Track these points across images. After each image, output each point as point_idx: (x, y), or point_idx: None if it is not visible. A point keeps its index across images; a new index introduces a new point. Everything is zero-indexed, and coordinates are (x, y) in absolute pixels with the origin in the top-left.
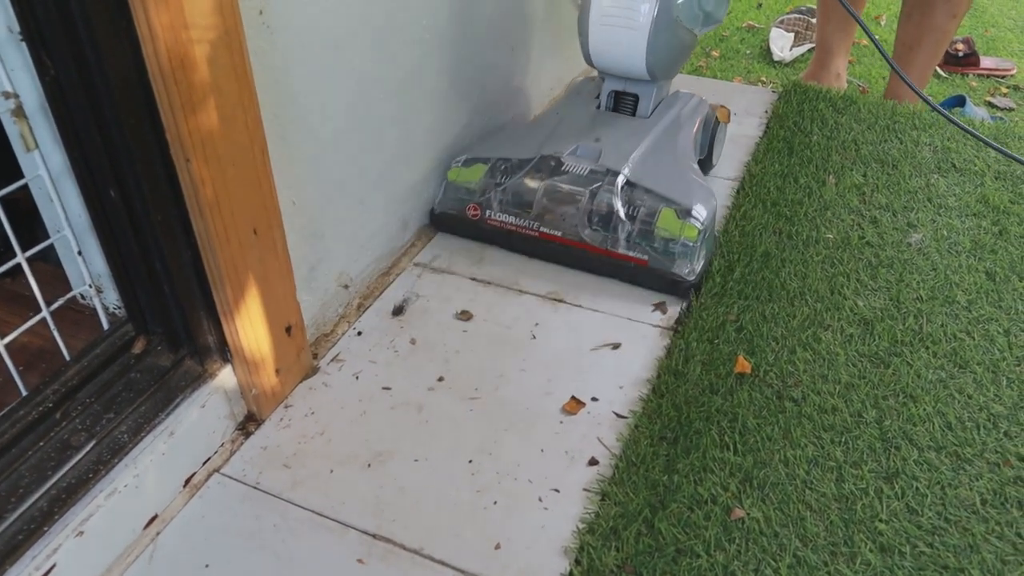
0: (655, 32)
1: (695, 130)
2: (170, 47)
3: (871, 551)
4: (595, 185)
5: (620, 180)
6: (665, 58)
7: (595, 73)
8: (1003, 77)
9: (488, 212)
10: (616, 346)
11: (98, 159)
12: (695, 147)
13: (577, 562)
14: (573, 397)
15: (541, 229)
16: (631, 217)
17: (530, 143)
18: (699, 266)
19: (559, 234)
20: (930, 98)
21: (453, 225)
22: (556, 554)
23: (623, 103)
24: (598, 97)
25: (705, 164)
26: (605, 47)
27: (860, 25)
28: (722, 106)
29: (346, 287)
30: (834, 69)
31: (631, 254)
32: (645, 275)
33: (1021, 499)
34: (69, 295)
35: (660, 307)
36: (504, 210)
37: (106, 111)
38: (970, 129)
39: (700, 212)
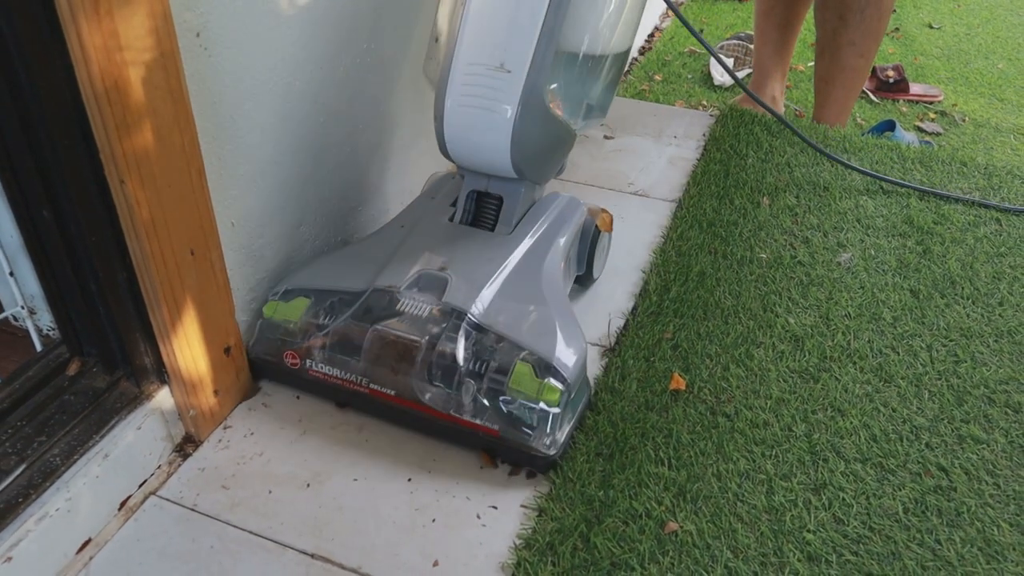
0: (522, 118)
1: (568, 246)
2: (104, 69)
3: (799, 560)
4: (436, 330)
5: (465, 323)
6: (534, 152)
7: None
8: (931, 103)
9: (309, 362)
10: None
11: (30, 179)
12: (569, 266)
13: None
14: None
15: (371, 385)
16: (478, 374)
17: (364, 270)
18: (561, 436)
19: (392, 393)
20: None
21: (271, 373)
22: (493, 570)
23: (485, 208)
24: (454, 204)
25: (585, 279)
26: (463, 135)
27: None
28: (604, 210)
29: None
30: (770, 92)
31: (478, 421)
32: (497, 446)
33: (941, 507)
34: (1, 316)
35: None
36: (328, 359)
37: (39, 132)
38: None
39: (564, 366)
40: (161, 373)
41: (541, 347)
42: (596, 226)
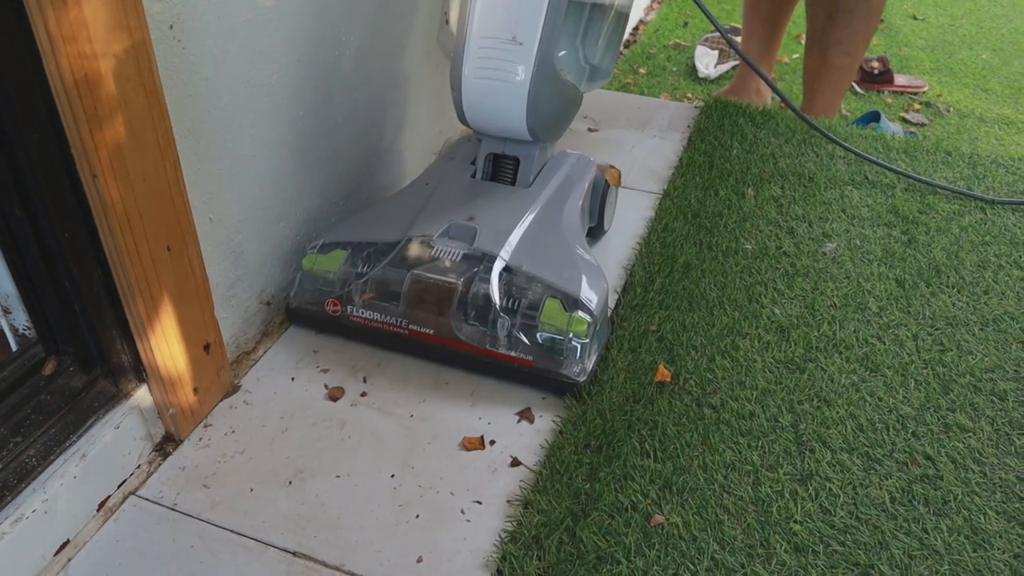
0: (536, 86)
1: (582, 198)
2: (73, 61)
3: (786, 551)
4: (469, 273)
5: (497, 266)
6: (548, 116)
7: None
8: (916, 94)
9: (350, 308)
10: None
11: (0, 176)
12: (583, 217)
13: (499, 572)
14: (498, 407)
15: (410, 327)
16: (511, 310)
17: (396, 223)
18: (590, 364)
19: (431, 332)
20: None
21: (312, 322)
22: (478, 565)
23: (502, 168)
24: (474, 163)
25: (596, 231)
26: (481, 103)
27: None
28: (611, 167)
29: (268, 304)
30: (754, 84)
31: (513, 354)
32: (530, 376)
33: (928, 496)
34: None
35: None
36: (368, 305)
37: (7, 126)
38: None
39: (590, 301)
40: (139, 371)
41: (568, 284)
42: (606, 181)
